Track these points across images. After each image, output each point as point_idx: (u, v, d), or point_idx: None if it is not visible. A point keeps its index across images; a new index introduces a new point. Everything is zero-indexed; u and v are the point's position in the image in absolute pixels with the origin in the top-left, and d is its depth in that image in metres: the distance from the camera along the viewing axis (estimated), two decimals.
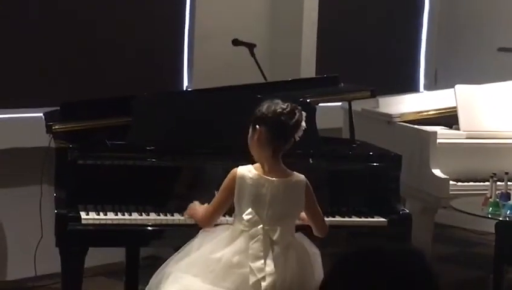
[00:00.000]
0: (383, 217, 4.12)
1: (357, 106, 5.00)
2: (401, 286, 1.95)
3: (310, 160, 4.16)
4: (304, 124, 3.53)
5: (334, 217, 4.03)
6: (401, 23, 7.37)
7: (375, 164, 4.27)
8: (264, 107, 3.51)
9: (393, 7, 7.27)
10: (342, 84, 4.82)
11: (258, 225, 3.48)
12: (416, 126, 5.09)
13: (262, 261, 3.44)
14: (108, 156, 3.96)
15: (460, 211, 4.39)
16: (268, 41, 6.35)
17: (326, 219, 3.75)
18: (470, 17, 7.27)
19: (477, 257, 6.27)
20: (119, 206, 3.90)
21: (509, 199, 4.32)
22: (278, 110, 3.48)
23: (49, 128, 4.13)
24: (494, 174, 4.39)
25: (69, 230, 3.75)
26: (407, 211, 4.22)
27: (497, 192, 4.33)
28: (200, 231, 3.61)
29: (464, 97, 5.13)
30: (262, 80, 5.06)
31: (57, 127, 4.11)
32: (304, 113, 3.54)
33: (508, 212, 4.28)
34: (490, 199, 4.32)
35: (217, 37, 5.93)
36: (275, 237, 3.48)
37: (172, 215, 3.89)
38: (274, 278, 3.42)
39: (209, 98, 4.26)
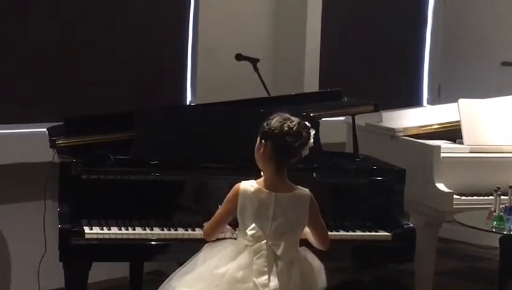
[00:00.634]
0: (387, 232, 4.11)
1: (361, 120, 5.00)
2: None
3: (314, 174, 4.17)
4: (311, 141, 3.51)
5: (338, 231, 4.03)
6: (404, 37, 7.38)
7: (379, 178, 4.27)
8: (273, 121, 3.49)
9: (396, 22, 7.28)
10: (345, 98, 4.82)
11: (262, 240, 3.47)
12: (419, 140, 5.09)
13: (266, 276, 3.43)
14: (112, 171, 3.96)
15: (465, 225, 4.38)
16: (271, 56, 6.36)
17: (330, 233, 3.74)
18: (473, 31, 7.28)
19: (482, 272, 6.26)
20: (123, 220, 3.90)
21: None
22: (285, 129, 3.45)
23: (53, 143, 4.14)
24: (498, 188, 4.38)
25: (73, 245, 3.75)
26: (411, 225, 4.21)
27: (501, 206, 4.32)
28: (205, 245, 3.60)
29: (468, 111, 5.13)
30: (266, 95, 5.07)
31: (60, 142, 4.13)
32: (312, 132, 3.51)
33: None
34: (494, 213, 4.31)
35: (220, 51, 5.95)
36: (278, 252, 3.47)
37: (176, 229, 3.89)
38: None
39: (213, 113, 4.27)
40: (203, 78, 6.04)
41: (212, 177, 4.03)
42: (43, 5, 5.37)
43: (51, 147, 4.16)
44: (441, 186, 4.83)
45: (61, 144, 4.12)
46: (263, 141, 3.50)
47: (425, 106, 7.29)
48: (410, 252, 4.13)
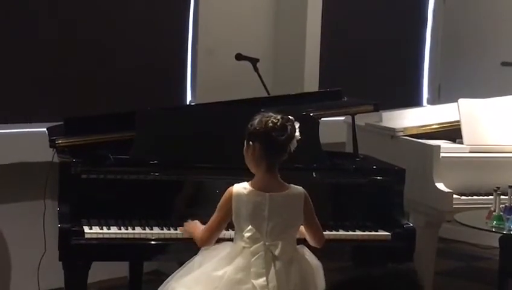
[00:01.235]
0: (387, 231, 4.11)
1: (360, 120, 5.00)
2: None
3: (313, 174, 4.17)
4: (297, 134, 3.51)
5: (337, 231, 4.03)
6: (404, 37, 7.38)
7: (378, 178, 4.27)
8: (256, 121, 3.50)
9: (396, 21, 7.28)
10: (345, 98, 4.82)
11: (259, 242, 3.46)
12: (419, 140, 5.09)
13: (265, 278, 3.43)
14: (112, 171, 3.97)
15: (464, 225, 4.38)
16: (271, 56, 6.37)
17: (329, 233, 3.75)
18: (473, 31, 7.28)
19: (481, 271, 6.26)
20: (123, 220, 3.90)
21: None
22: (270, 125, 3.46)
23: (52, 143, 4.15)
24: (498, 187, 4.38)
25: (73, 244, 3.75)
26: (411, 225, 4.21)
27: (501, 206, 4.32)
28: (202, 248, 3.59)
29: (467, 111, 5.13)
30: (266, 95, 5.07)
31: (60, 141, 4.13)
32: (297, 124, 3.51)
33: None
34: (494, 213, 4.31)
35: (220, 51, 5.95)
36: (276, 253, 3.46)
37: (176, 229, 3.89)
38: None
39: (213, 113, 4.27)
40: (203, 78, 6.04)
41: (212, 177, 4.02)
42: (43, 5, 5.37)
43: (50, 146, 4.16)
44: (440, 186, 4.83)
45: (61, 144, 4.12)
46: (250, 142, 3.50)
47: (425, 106, 7.29)
48: (410, 251, 4.13)
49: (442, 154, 4.90)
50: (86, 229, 3.79)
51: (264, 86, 5.15)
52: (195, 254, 3.58)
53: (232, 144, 3.77)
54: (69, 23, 5.45)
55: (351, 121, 4.69)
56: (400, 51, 7.31)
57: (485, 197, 4.82)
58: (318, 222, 3.63)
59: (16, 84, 5.25)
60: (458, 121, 5.13)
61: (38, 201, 4.39)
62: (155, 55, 5.84)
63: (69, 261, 3.78)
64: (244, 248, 3.47)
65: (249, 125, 3.51)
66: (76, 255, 3.78)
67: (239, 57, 5.31)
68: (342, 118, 5.37)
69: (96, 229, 3.82)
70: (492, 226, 4.30)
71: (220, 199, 3.58)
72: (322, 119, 4.45)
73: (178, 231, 3.87)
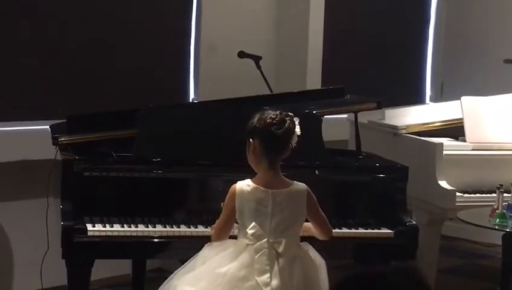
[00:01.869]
0: (390, 229, 4.11)
1: (363, 117, 5.00)
2: None
3: (316, 172, 4.16)
4: (298, 130, 3.52)
5: (340, 228, 4.03)
6: (407, 35, 7.37)
7: (381, 176, 4.27)
8: (255, 119, 3.52)
9: (399, 19, 7.27)
10: (348, 95, 4.82)
11: (263, 239, 3.47)
12: (422, 138, 5.09)
13: (268, 274, 3.43)
14: (114, 168, 3.97)
15: (467, 222, 4.38)
16: (274, 53, 6.36)
17: (332, 230, 3.74)
18: (475, 29, 7.27)
19: (484, 269, 6.26)
20: (125, 218, 3.90)
21: None
22: (268, 121, 3.48)
23: (55, 141, 4.14)
24: (501, 185, 4.38)
25: (75, 242, 3.75)
26: (414, 222, 4.21)
27: (504, 203, 4.32)
28: (205, 245, 3.60)
29: (470, 109, 5.12)
30: (268, 92, 5.07)
31: (63, 139, 4.12)
32: (296, 120, 3.53)
33: None
34: (497, 210, 4.31)
35: (222, 49, 5.95)
36: (280, 250, 3.47)
37: (179, 227, 3.89)
38: None
39: (215, 110, 4.27)
40: (206, 75, 6.04)
41: (215, 174, 4.02)
42: (43, 5, 5.36)
43: (53, 144, 4.16)
44: (443, 183, 4.82)
45: (64, 142, 4.12)
46: (251, 140, 3.51)
47: (428, 104, 7.28)
48: (412, 249, 4.13)
49: (445, 152, 4.90)
50: (89, 226, 3.79)
51: (267, 83, 5.15)
52: (198, 251, 3.58)
53: (235, 141, 3.78)
54: (70, 20, 5.45)
55: (353, 118, 4.69)
56: (402, 49, 7.30)
57: (488, 194, 4.81)
58: (323, 215, 3.64)
59: (18, 83, 5.25)
60: (461, 119, 5.12)
61: (41, 199, 4.39)
62: (158, 53, 5.84)
63: (72, 259, 3.79)
64: (247, 245, 3.48)
65: (249, 123, 3.52)
66: (79, 253, 3.78)
67: (242, 54, 5.31)
68: (345, 115, 5.37)
69: (99, 226, 3.82)
70: (495, 224, 4.30)
71: (222, 197, 3.58)
72: (325, 116, 4.45)
73: (181, 229, 3.87)
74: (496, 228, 4.32)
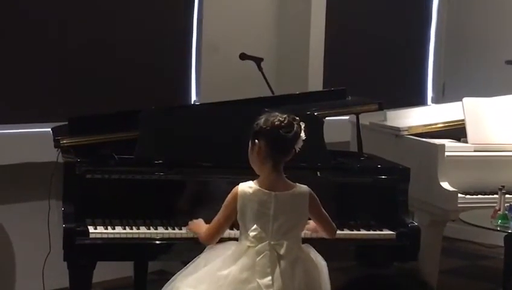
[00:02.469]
0: (392, 230, 4.11)
1: (365, 119, 5.00)
2: None
3: (318, 173, 4.16)
4: (303, 135, 3.52)
5: (342, 230, 4.02)
6: (408, 36, 7.37)
7: (383, 177, 4.27)
8: (262, 120, 3.51)
9: (400, 21, 7.27)
10: (350, 97, 4.82)
11: (264, 241, 3.47)
12: (424, 139, 5.08)
13: (270, 277, 3.43)
14: (116, 170, 3.97)
15: (469, 223, 4.38)
16: (275, 55, 6.36)
17: None
18: (477, 30, 7.27)
19: (486, 270, 6.25)
20: (127, 220, 3.91)
21: None
22: (276, 123, 3.48)
23: (57, 143, 4.14)
24: (503, 186, 4.38)
25: (77, 244, 3.75)
26: (416, 224, 4.21)
27: (506, 204, 4.32)
28: (207, 247, 3.60)
29: (472, 110, 5.12)
30: (270, 94, 5.07)
31: (65, 141, 4.13)
32: (302, 124, 3.53)
33: None
34: (499, 212, 4.31)
35: (224, 51, 5.95)
36: (282, 252, 3.47)
37: (180, 229, 3.89)
38: None
39: (217, 112, 4.27)
40: (207, 77, 6.04)
41: (216, 176, 4.02)
42: (44, 4, 5.36)
43: (55, 146, 4.16)
44: (445, 185, 4.82)
45: (66, 144, 4.12)
46: (256, 141, 3.51)
47: (430, 105, 7.28)
48: (414, 250, 4.13)
49: (446, 153, 4.89)
50: (91, 229, 3.79)
51: (268, 85, 5.15)
52: (200, 253, 3.58)
53: (236, 143, 3.78)
54: (71, 21, 5.45)
55: (355, 120, 4.68)
56: (404, 50, 7.30)
57: (490, 195, 4.81)
58: (326, 214, 3.65)
59: (20, 85, 5.25)
60: (463, 120, 5.12)
61: (43, 201, 4.39)
62: (159, 54, 5.84)
63: (73, 261, 3.78)
64: (249, 247, 3.48)
65: (255, 125, 3.51)
66: (80, 255, 3.78)
67: (243, 56, 5.31)
68: (347, 117, 5.36)
69: (100, 229, 3.82)
70: (497, 225, 4.29)
71: (224, 198, 3.58)
72: (327, 118, 4.45)
73: (183, 231, 3.87)
74: (498, 229, 4.31)
